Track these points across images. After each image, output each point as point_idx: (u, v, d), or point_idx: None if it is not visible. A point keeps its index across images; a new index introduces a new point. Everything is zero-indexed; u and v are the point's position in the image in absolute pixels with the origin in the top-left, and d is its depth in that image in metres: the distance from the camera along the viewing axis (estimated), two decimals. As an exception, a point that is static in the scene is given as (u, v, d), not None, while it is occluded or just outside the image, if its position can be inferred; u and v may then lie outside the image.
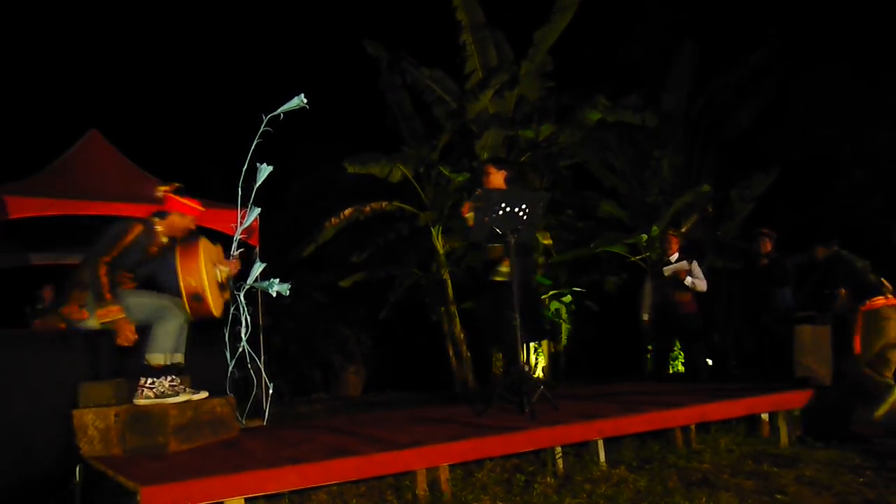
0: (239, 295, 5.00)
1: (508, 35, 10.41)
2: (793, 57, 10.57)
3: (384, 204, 9.96)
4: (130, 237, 3.93)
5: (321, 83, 15.71)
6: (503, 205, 4.63)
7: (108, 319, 3.80)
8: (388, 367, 11.34)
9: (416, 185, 10.16)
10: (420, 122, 10.95)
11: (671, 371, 8.84)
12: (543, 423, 3.99)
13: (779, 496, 3.58)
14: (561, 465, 4.08)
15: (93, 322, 3.88)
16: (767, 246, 6.58)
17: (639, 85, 10.87)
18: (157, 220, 4.13)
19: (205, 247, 4.15)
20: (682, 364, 9.67)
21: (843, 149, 10.37)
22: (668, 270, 7.01)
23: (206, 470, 3.06)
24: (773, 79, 10.57)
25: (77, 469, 3.66)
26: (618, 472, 4.00)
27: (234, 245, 4.88)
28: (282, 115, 4.98)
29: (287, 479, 3.06)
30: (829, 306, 5.54)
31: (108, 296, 3.78)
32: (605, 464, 4.15)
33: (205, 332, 4.13)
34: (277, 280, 4.95)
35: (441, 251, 9.92)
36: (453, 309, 9.92)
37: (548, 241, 10.20)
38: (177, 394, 3.86)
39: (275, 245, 8.75)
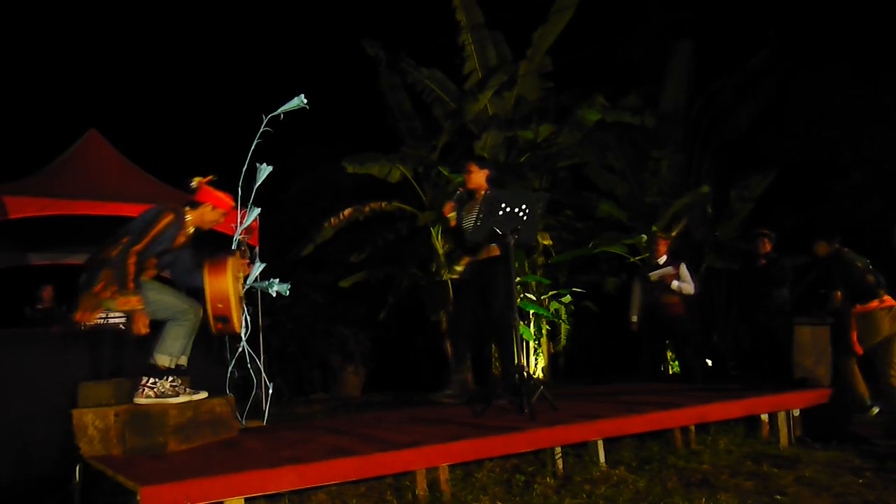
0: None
1: (507, 36, 10.43)
2: (793, 58, 10.57)
3: (383, 204, 9.96)
4: (161, 226, 3.88)
5: (320, 83, 15.72)
6: (503, 205, 4.62)
7: (126, 308, 3.77)
8: (387, 368, 11.33)
9: (415, 185, 10.17)
10: (419, 122, 10.96)
11: (671, 372, 8.83)
12: (543, 424, 3.99)
13: (778, 497, 3.58)
14: (560, 466, 4.08)
15: (112, 307, 3.84)
16: (767, 246, 6.60)
17: (638, 85, 10.87)
18: (188, 209, 4.09)
19: (232, 265, 4.14)
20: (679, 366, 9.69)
21: (843, 151, 10.37)
22: (654, 276, 7.07)
23: (206, 470, 3.06)
24: (772, 80, 10.57)
25: (76, 469, 3.66)
26: (617, 472, 4.01)
27: (234, 245, 4.88)
28: (282, 116, 4.98)
29: (287, 479, 3.05)
30: (825, 307, 5.57)
31: (131, 285, 3.73)
32: (604, 464, 4.15)
33: (205, 331, 4.12)
34: (277, 280, 4.95)
35: (440, 251, 9.92)
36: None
37: (547, 242, 10.21)
38: (177, 394, 3.86)
39: (274, 245, 8.75)
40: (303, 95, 4.96)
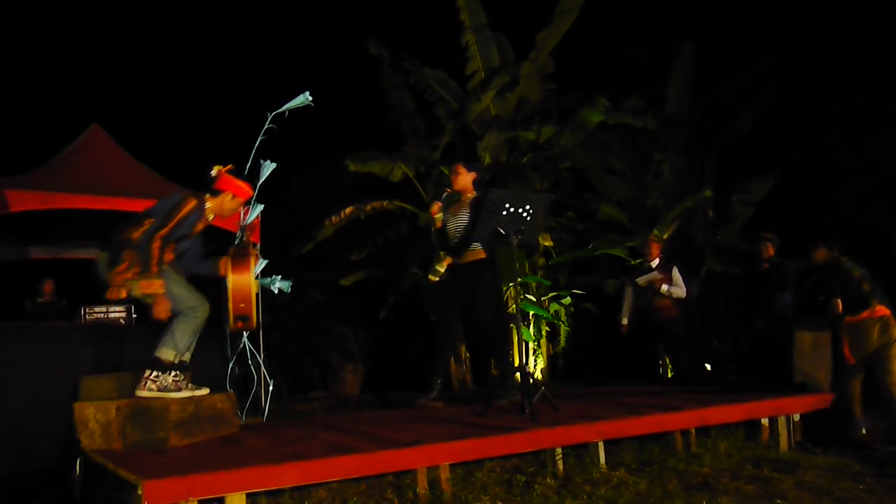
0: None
1: (510, 37, 10.43)
2: (796, 63, 10.57)
3: (385, 203, 9.95)
4: (186, 211, 3.90)
5: (322, 82, 15.71)
6: (507, 206, 4.62)
7: (148, 291, 3.76)
8: (386, 367, 11.31)
9: (417, 184, 10.16)
10: (422, 121, 10.95)
11: (669, 375, 8.83)
12: (544, 424, 3.99)
13: (779, 501, 3.59)
14: (561, 467, 4.08)
15: (134, 289, 3.85)
16: (770, 250, 6.60)
17: (640, 88, 10.87)
18: (208, 197, 4.10)
19: (254, 263, 4.17)
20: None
21: (845, 156, 10.38)
22: (641, 280, 7.10)
23: (208, 465, 3.06)
24: (775, 84, 10.56)
25: (77, 462, 3.65)
26: (618, 474, 4.01)
27: (237, 242, 4.88)
28: (287, 113, 4.99)
29: (289, 475, 3.05)
30: (824, 314, 5.60)
31: (155, 268, 3.74)
32: (604, 466, 4.15)
33: (206, 328, 4.12)
34: (279, 277, 4.96)
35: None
36: (453, 309, 9.90)
37: (548, 243, 10.21)
38: (179, 389, 3.85)
39: (275, 243, 8.74)
40: (308, 93, 4.97)
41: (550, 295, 9.96)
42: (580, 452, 4.26)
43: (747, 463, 4.39)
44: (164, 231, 3.80)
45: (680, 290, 7.00)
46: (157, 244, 3.75)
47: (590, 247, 9.93)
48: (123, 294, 3.82)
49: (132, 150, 7.94)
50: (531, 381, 4.74)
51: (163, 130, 14.74)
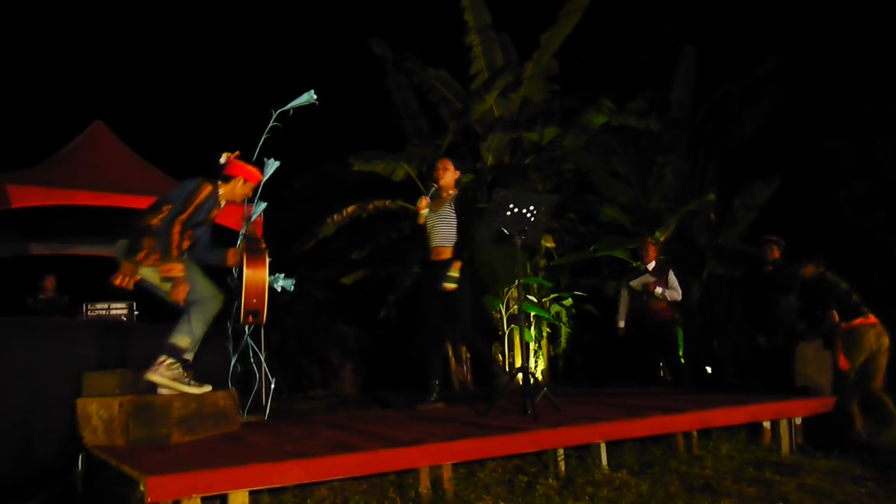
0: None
1: (514, 37, 10.43)
2: (799, 67, 10.57)
3: (387, 203, 9.95)
4: (203, 196, 3.93)
5: (325, 81, 15.72)
6: (511, 206, 4.62)
7: (169, 275, 3.79)
8: (386, 366, 11.31)
9: (419, 184, 10.15)
10: (425, 121, 10.95)
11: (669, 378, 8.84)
12: (546, 425, 3.99)
13: (781, 504, 3.59)
14: (563, 467, 4.08)
15: (153, 275, 3.86)
16: (775, 253, 6.61)
17: (644, 90, 10.87)
18: (220, 183, 4.12)
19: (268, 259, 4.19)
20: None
21: (847, 160, 10.37)
22: (635, 284, 7.13)
23: (211, 462, 3.05)
24: (778, 88, 10.56)
25: (79, 458, 3.65)
26: (619, 475, 4.01)
27: (240, 240, 4.88)
28: (291, 111, 4.99)
29: (292, 472, 3.05)
30: (820, 326, 5.75)
31: (175, 252, 3.78)
32: (606, 467, 4.15)
33: (210, 326, 4.12)
34: (283, 275, 4.96)
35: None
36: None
37: (550, 244, 10.20)
38: (188, 383, 3.86)
39: (277, 241, 8.73)
40: (312, 91, 4.98)
41: (551, 296, 9.96)
42: (582, 453, 4.26)
43: (749, 466, 4.38)
44: (183, 216, 3.83)
45: (676, 293, 7.05)
46: (177, 229, 3.79)
47: (591, 249, 9.93)
48: (131, 285, 3.83)
49: (135, 147, 7.94)
50: (533, 381, 4.72)
51: (166, 128, 14.76)
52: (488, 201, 6.26)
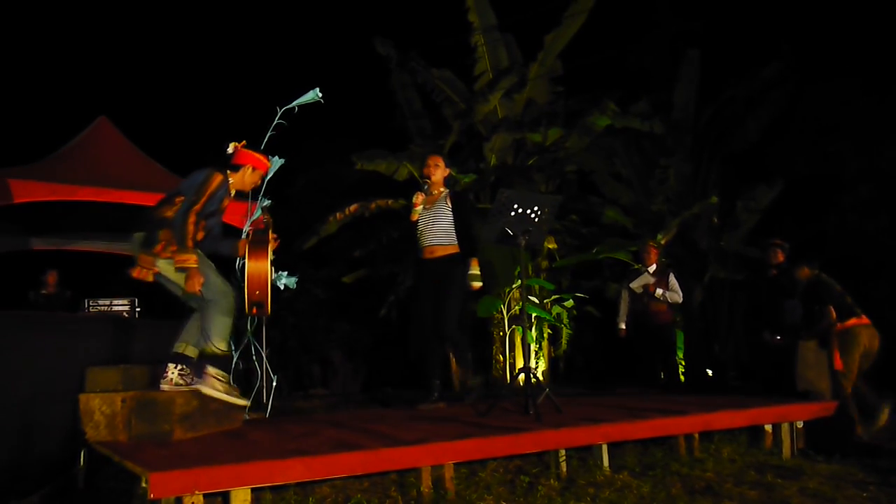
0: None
1: (519, 38, 10.43)
2: (803, 71, 10.57)
3: (390, 202, 9.95)
4: (214, 185, 3.93)
5: (331, 80, 15.72)
6: (515, 206, 4.62)
7: (184, 266, 3.78)
8: (387, 365, 11.30)
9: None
10: (428, 121, 10.96)
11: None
12: (548, 426, 3.98)
13: (783, 507, 3.58)
14: (564, 468, 4.07)
15: (169, 267, 3.86)
16: (780, 256, 6.64)
17: (647, 93, 10.87)
18: (230, 173, 4.13)
19: (271, 249, 4.19)
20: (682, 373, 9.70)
21: (851, 165, 10.37)
22: (635, 285, 7.15)
23: (214, 459, 3.05)
24: (782, 92, 10.56)
25: (81, 453, 3.65)
26: (621, 477, 4.00)
27: (244, 235, 4.87)
28: (296, 109, 4.98)
29: (294, 470, 3.04)
30: (817, 324, 5.82)
31: (190, 243, 3.77)
32: (608, 468, 4.15)
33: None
34: (286, 273, 4.95)
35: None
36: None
37: (552, 246, 10.20)
38: (239, 396, 3.95)
39: (278, 239, 8.72)
40: (318, 89, 4.97)
41: (553, 297, 9.96)
42: (583, 455, 4.25)
43: (750, 469, 4.38)
44: (197, 206, 3.84)
45: (677, 295, 7.09)
46: (192, 219, 3.80)
47: (594, 251, 9.93)
48: (150, 277, 3.84)
49: (139, 144, 7.94)
50: (535, 381, 4.72)
51: (171, 124, 14.77)
52: (491, 202, 6.26)
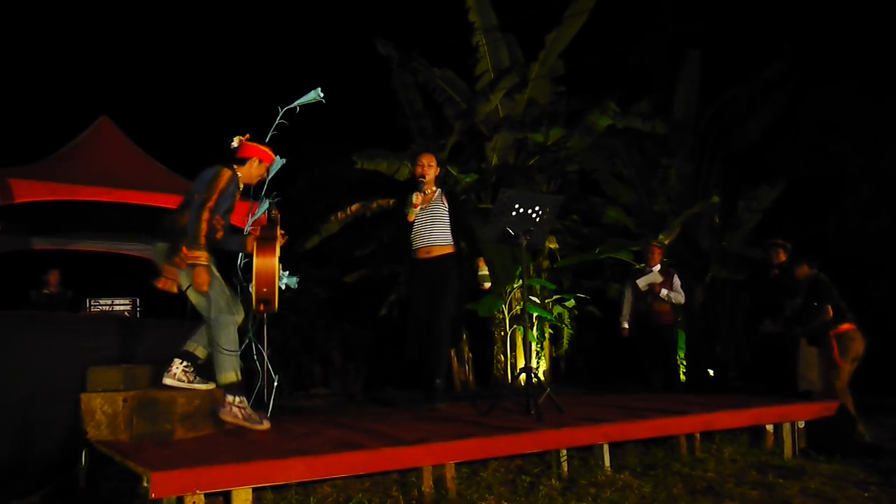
0: (248, 287, 4.99)
1: (520, 38, 10.44)
2: (804, 71, 10.56)
3: (391, 201, 9.95)
4: (224, 181, 3.92)
5: (332, 80, 15.72)
6: (517, 206, 4.61)
7: (197, 263, 3.76)
8: (388, 365, 11.31)
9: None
10: (430, 121, 10.96)
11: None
12: (550, 426, 3.98)
13: (784, 507, 3.58)
14: (565, 468, 4.07)
15: (184, 280, 3.86)
16: (782, 256, 6.63)
17: (649, 93, 10.87)
18: (237, 167, 4.13)
19: (279, 245, 4.18)
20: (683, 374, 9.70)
21: (852, 165, 10.36)
22: (641, 283, 7.14)
23: (215, 458, 3.05)
24: (784, 92, 10.56)
25: (83, 453, 3.65)
26: (622, 477, 4.00)
27: (246, 231, 4.86)
28: (297, 109, 4.97)
29: (295, 470, 3.04)
30: (813, 320, 5.86)
31: (202, 240, 3.76)
32: (609, 468, 4.14)
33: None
34: (287, 273, 4.94)
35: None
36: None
37: (553, 246, 10.20)
38: (259, 422, 3.97)
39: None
40: (319, 89, 4.95)
41: (554, 297, 9.96)
42: (585, 454, 4.25)
43: (752, 469, 4.38)
44: (210, 203, 3.83)
45: (680, 296, 7.10)
46: (205, 216, 3.79)
47: (596, 251, 9.93)
48: (175, 288, 3.84)
49: (141, 144, 7.94)
50: (536, 381, 4.71)
51: (172, 124, 14.78)
52: (493, 201, 6.25)
